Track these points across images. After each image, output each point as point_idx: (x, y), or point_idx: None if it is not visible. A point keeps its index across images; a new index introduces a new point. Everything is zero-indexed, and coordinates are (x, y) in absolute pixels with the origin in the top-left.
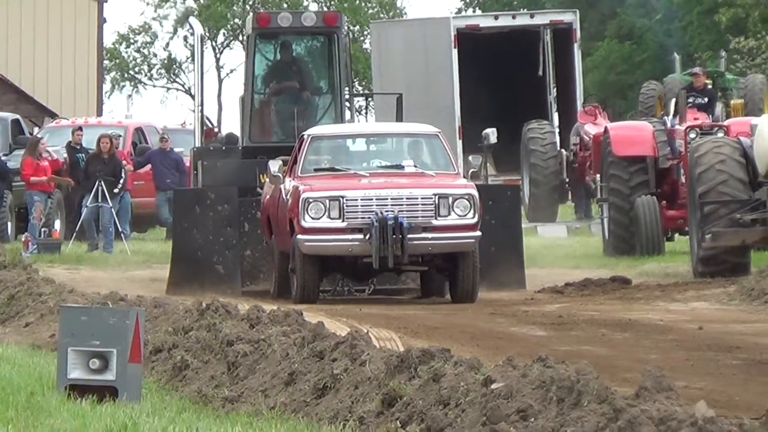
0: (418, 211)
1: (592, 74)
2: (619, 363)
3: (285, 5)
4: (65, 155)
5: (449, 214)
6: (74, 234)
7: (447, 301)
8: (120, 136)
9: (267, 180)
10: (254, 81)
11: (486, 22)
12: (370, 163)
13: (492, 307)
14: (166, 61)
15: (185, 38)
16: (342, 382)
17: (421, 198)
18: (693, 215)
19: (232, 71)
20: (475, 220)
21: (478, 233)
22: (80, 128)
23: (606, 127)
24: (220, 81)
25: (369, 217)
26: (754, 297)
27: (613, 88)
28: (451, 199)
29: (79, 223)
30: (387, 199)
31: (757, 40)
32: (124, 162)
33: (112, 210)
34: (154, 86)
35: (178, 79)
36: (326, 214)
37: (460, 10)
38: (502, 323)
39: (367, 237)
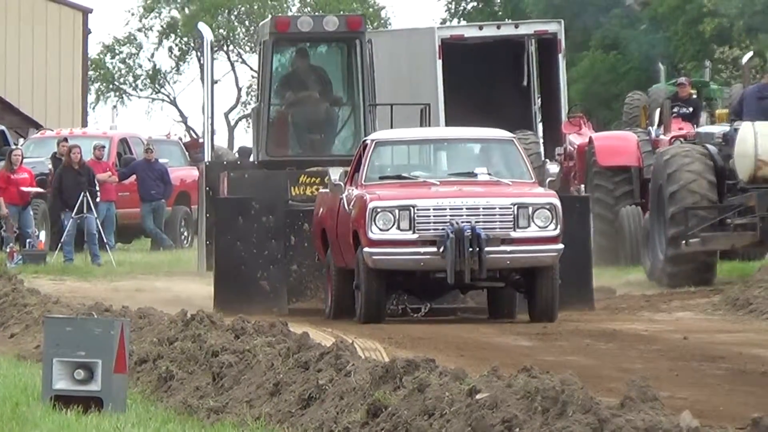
0: (495, 222)
1: (577, 84)
2: (603, 373)
3: (269, 14)
4: (50, 166)
5: (529, 225)
6: (59, 245)
7: (519, 321)
8: (104, 146)
9: (320, 191)
10: (270, 91)
11: (471, 32)
12: (440, 170)
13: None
14: (151, 72)
15: (170, 49)
16: (327, 393)
17: (500, 208)
18: (656, 219)
19: (216, 82)
20: (557, 232)
21: (560, 246)
22: (65, 139)
23: (590, 138)
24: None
25: (443, 229)
26: (738, 307)
27: (598, 99)
28: (531, 209)
29: (64, 236)
30: (462, 208)
31: (741, 50)
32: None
33: (97, 221)
34: (139, 97)
35: (163, 90)
36: (395, 225)
37: (444, 21)
38: (487, 333)
39: (441, 250)
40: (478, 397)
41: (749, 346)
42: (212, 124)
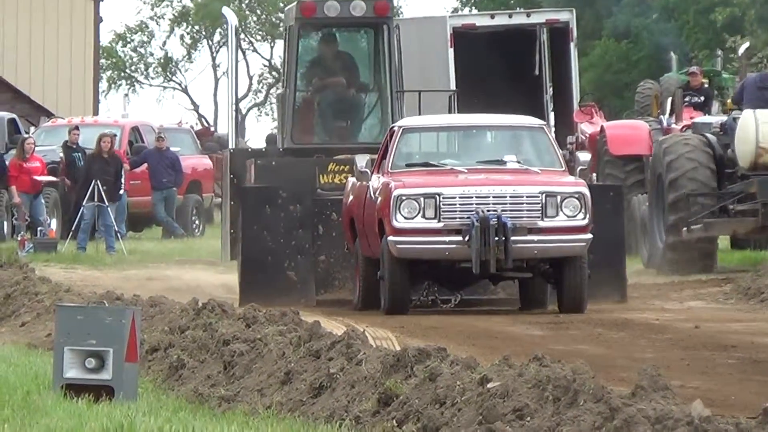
0: (523, 210)
1: (589, 73)
2: (615, 362)
3: (280, 3)
4: (61, 155)
5: (557, 214)
6: (70, 233)
7: (550, 312)
8: (116, 135)
9: (349, 179)
10: (296, 77)
11: (482, 21)
12: (468, 158)
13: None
14: (162, 60)
15: (182, 37)
16: (338, 382)
17: (527, 196)
18: (655, 207)
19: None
20: (586, 221)
21: (589, 236)
22: (77, 127)
23: (602, 126)
24: (216, 80)
25: (468, 217)
26: (750, 296)
27: (610, 88)
28: (559, 198)
29: (75, 223)
30: (488, 197)
31: (753, 39)
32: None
33: (109, 210)
34: (151, 85)
35: (174, 78)
36: (420, 213)
37: (456, 9)
38: (498, 322)
39: (467, 239)
40: (489, 386)
41: (761, 335)
42: (237, 110)
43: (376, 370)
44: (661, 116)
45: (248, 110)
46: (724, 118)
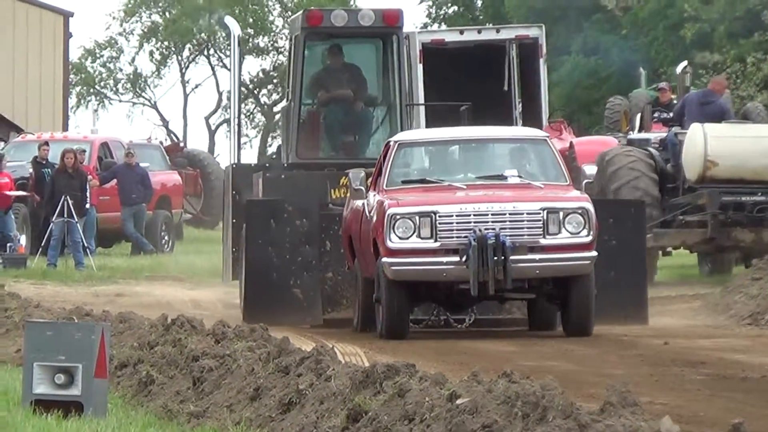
0: (523, 228)
1: (558, 89)
2: (584, 378)
3: (250, 19)
4: (31, 170)
5: (560, 231)
6: (39, 249)
7: (556, 334)
8: (85, 150)
9: (348, 194)
10: (302, 89)
11: (451, 36)
12: (468, 173)
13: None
14: (131, 76)
15: (151, 53)
16: (307, 398)
17: (527, 213)
18: None
19: (197, 86)
20: (590, 238)
21: (594, 254)
22: (46, 143)
23: (571, 142)
24: (186, 96)
25: (466, 236)
26: (719, 312)
27: (579, 103)
28: (561, 214)
29: (45, 240)
30: (487, 214)
31: (722, 55)
32: (89, 176)
33: (78, 225)
34: (120, 101)
35: (143, 94)
36: (416, 232)
37: (425, 25)
38: (468, 338)
39: (464, 259)
40: (458, 402)
41: (730, 351)
42: (239, 124)
43: (345, 386)
44: (630, 132)
45: (217, 126)
46: (663, 134)
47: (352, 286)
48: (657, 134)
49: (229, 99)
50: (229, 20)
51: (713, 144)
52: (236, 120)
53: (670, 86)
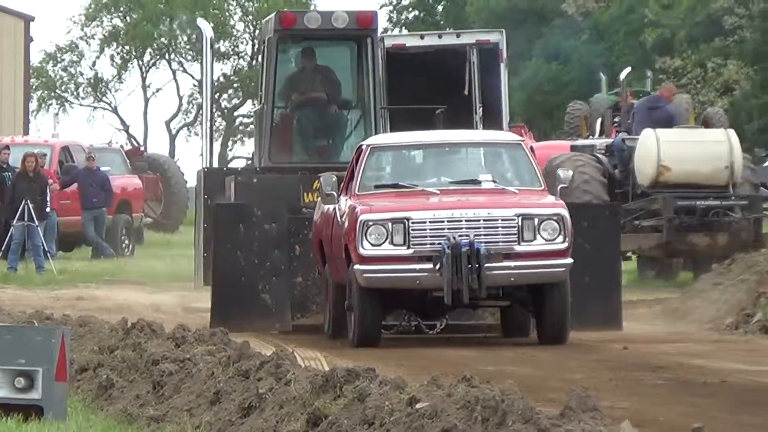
0: (498, 235)
1: (519, 94)
2: (544, 383)
3: (212, 24)
4: None
5: (534, 238)
6: (0, 253)
7: (526, 341)
8: (45, 154)
9: (318, 198)
10: (274, 92)
11: (412, 41)
12: (441, 177)
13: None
14: (92, 80)
15: (112, 57)
16: (267, 402)
17: (502, 219)
18: None
19: (158, 90)
20: (566, 245)
21: (569, 260)
22: (7, 147)
23: (532, 147)
24: (146, 101)
25: (440, 243)
26: (678, 317)
27: (540, 108)
28: (537, 220)
29: (5, 244)
30: (461, 221)
31: (682, 60)
32: (50, 180)
33: (39, 229)
34: (81, 105)
35: (104, 98)
36: (388, 239)
37: (386, 30)
38: (428, 343)
39: (437, 267)
40: (418, 406)
41: (689, 356)
42: (211, 128)
43: (305, 390)
44: (591, 137)
45: (178, 130)
46: (608, 140)
47: (321, 292)
48: (602, 140)
49: (189, 103)
50: (202, 23)
51: (666, 149)
52: (208, 123)
53: (630, 91)
